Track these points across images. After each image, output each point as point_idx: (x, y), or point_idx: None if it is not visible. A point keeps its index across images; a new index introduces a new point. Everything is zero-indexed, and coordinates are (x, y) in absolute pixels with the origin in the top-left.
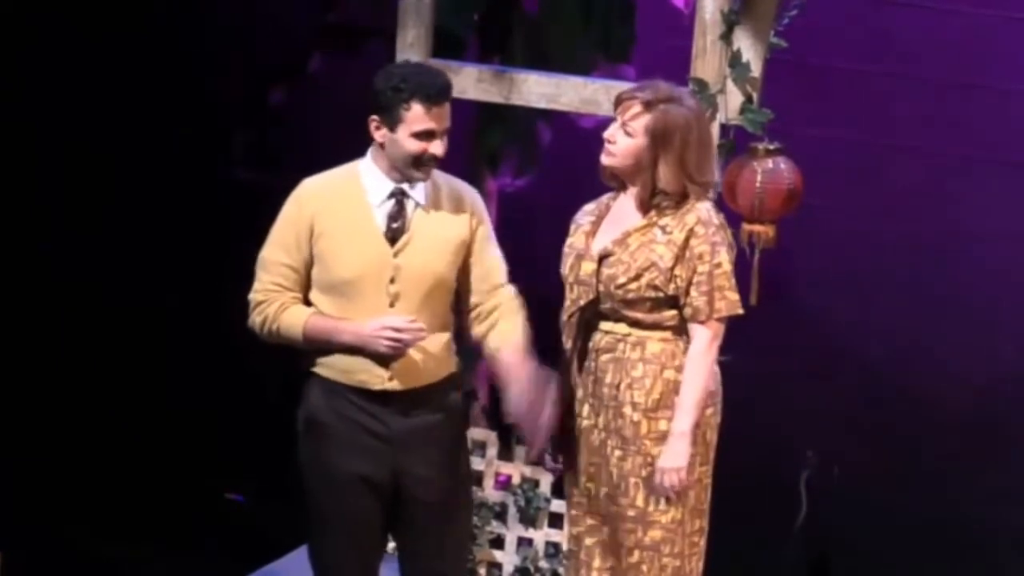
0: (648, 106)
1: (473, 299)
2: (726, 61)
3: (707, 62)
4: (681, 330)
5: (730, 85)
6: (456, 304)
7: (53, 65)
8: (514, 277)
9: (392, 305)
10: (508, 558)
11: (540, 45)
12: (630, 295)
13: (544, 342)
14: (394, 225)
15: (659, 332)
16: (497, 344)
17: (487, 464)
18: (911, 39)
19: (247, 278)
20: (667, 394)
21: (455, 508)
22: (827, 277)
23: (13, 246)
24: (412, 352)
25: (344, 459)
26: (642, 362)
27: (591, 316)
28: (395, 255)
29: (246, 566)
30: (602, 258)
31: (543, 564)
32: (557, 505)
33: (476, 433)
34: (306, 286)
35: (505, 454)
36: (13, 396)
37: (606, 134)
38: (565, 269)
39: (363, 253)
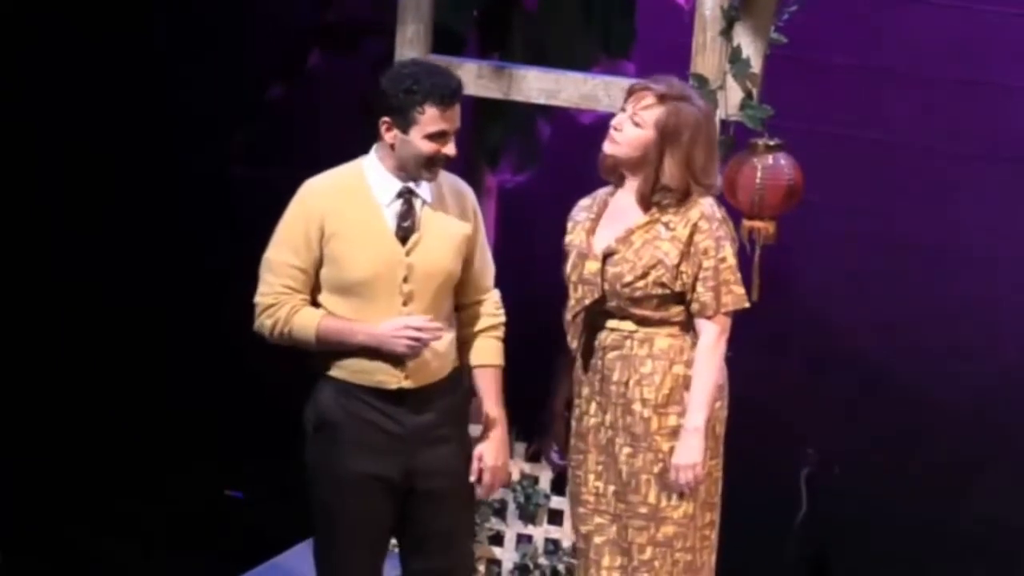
0: (662, 99)
1: (461, 298)
2: (726, 57)
3: (707, 58)
4: (688, 325)
5: (730, 81)
6: None
7: (53, 65)
8: (513, 273)
9: (406, 304)
10: (507, 555)
11: (540, 41)
12: (637, 293)
13: (543, 339)
14: (405, 224)
15: (666, 328)
16: (477, 362)
17: None
18: (912, 36)
19: (247, 277)
20: (676, 389)
21: (463, 504)
22: (827, 273)
23: (13, 246)
24: (424, 350)
25: (357, 459)
26: (650, 358)
27: (596, 314)
28: (407, 254)
29: (246, 564)
30: (606, 256)
31: (542, 561)
32: (557, 502)
33: (475, 430)
34: (314, 288)
35: None
36: (13, 396)
37: (613, 122)
38: (567, 268)
39: (376, 253)
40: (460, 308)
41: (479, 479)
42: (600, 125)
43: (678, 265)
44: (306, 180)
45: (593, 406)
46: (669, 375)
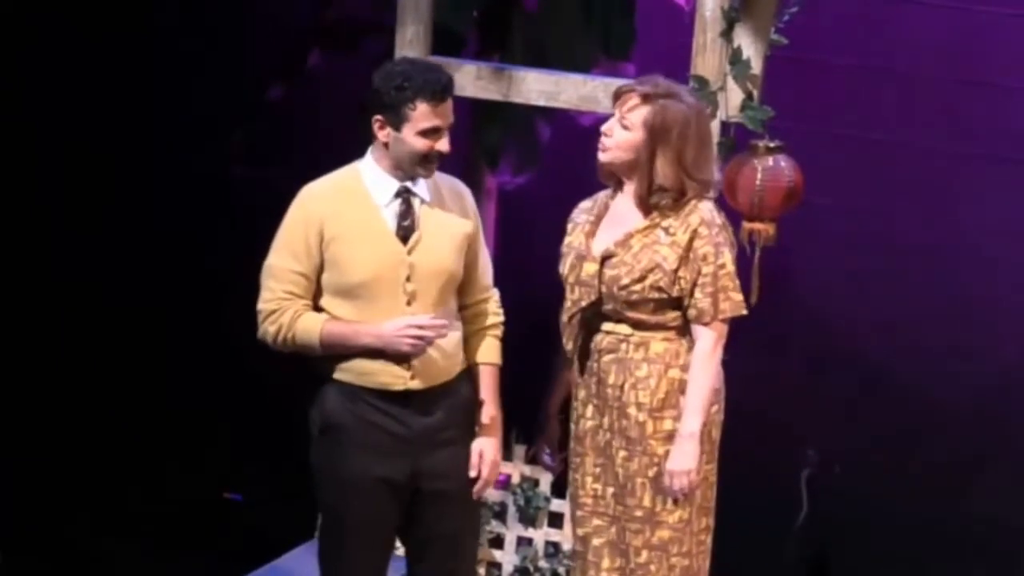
0: (646, 99)
1: (463, 298)
2: (726, 58)
3: (707, 59)
4: (684, 330)
5: (730, 82)
6: None
7: (53, 65)
8: (512, 274)
9: (409, 304)
10: (508, 557)
11: (540, 42)
12: (634, 296)
13: (541, 340)
14: (404, 224)
15: (662, 332)
16: (475, 360)
17: None
18: (912, 36)
19: (247, 277)
20: (672, 393)
21: (470, 506)
22: (827, 274)
23: (13, 246)
24: (430, 350)
25: (363, 462)
26: (646, 362)
27: (592, 317)
28: (409, 253)
29: (246, 565)
30: (604, 259)
31: (543, 564)
32: (557, 505)
33: None
34: (316, 292)
35: (504, 453)
36: (13, 396)
37: (603, 128)
38: (565, 269)
39: (377, 254)
40: (462, 308)
41: (477, 476)
42: (600, 126)
43: (676, 270)
44: (305, 184)
45: (590, 409)
46: (665, 379)
